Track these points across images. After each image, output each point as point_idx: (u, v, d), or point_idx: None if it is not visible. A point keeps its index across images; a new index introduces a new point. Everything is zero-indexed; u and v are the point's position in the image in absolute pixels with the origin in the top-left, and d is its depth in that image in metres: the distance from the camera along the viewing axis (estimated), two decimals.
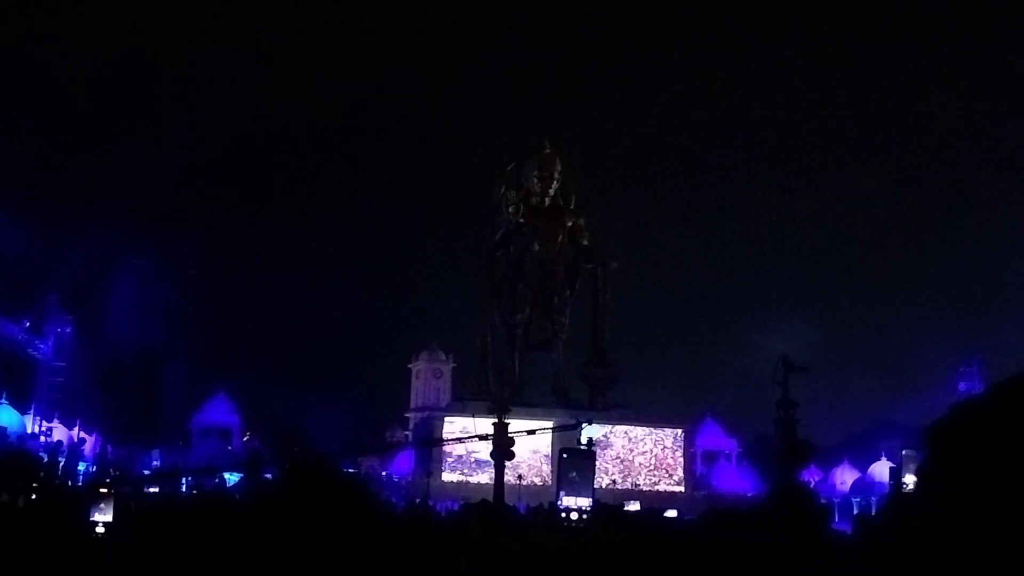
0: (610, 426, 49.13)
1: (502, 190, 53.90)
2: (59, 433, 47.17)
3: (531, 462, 46.95)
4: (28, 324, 52.92)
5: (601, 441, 48.75)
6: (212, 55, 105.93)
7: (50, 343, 56.05)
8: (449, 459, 48.30)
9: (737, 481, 56.44)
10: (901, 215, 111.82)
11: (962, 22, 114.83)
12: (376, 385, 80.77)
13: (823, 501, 37.07)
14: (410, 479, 50.39)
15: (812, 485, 51.66)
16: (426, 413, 60.59)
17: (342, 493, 2.17)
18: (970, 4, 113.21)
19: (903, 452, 39.75)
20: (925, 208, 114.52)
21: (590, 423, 41.44)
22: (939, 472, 1.19)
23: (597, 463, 46.40)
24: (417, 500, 34.40)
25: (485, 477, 42.51)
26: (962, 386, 66.29)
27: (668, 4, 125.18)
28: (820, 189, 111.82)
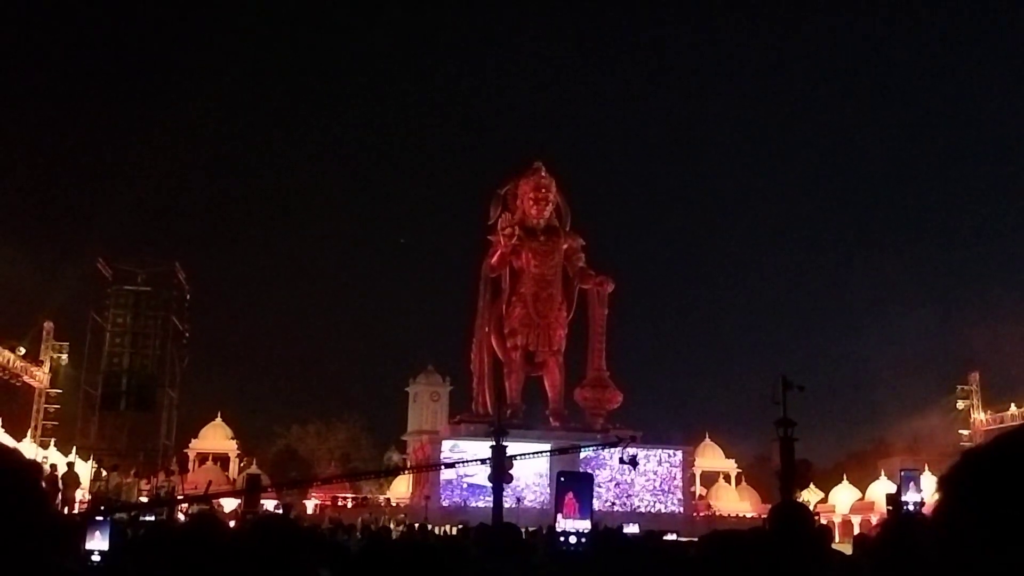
0: (607, 448, 48.92)
1: (497, 212, 53.97)
2: (56, 460, 46.92)
3: (533, 485, 46.80)
4: (24, 351, 52.76)
5: (590, 459, 48.53)
6: (196, 79, 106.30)
7: (46, 370, 55.90)
8: (438, 484, 48.08)
9: (736, 502, 56.23)
10: (897, 231, 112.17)
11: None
12: (374, 408, 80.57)
13: (823, 521, 36.94)
14: (408, 503, 50.16)
15: (812, 505, 51.50)
16: (424, 436, 60.38)
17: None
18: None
19: (901, 473, 39.78)
20: (922, 224, 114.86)
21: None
22: (960, 521, 1.16)
23: (595, 486, 46.21)
24: (416, 524, 34.18)
25: (481, 502, 42.37)
26: (960, 404, 66.27)
27: (666, 14, 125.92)
28: (818, 207, 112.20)
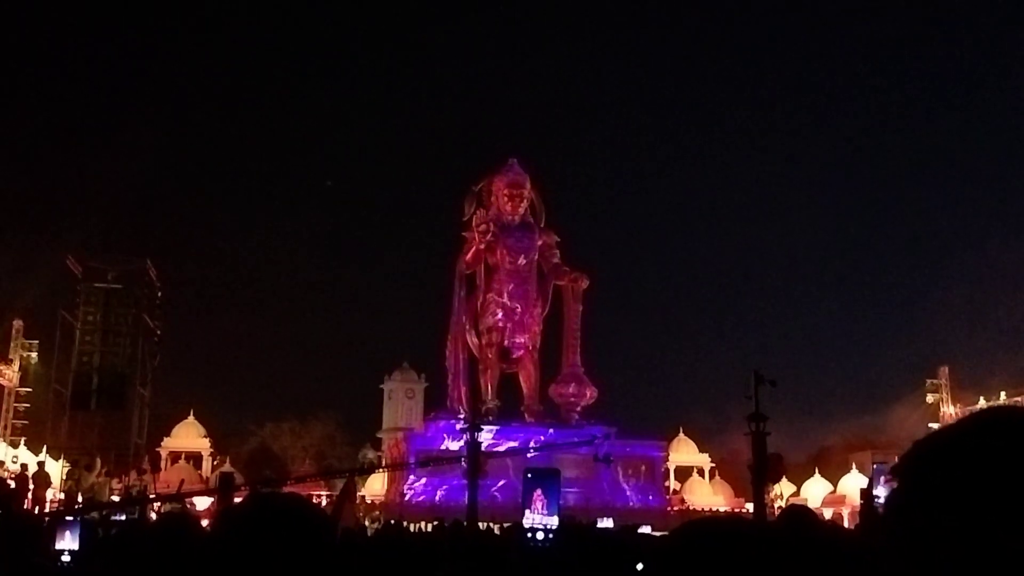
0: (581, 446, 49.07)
1: (472, 209, 53.95)
2: (26, 459, 46.46)
3: (508, 481, 46.84)
4: None
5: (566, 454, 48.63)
6: (167, 76, 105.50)
7: (15, 368, 55.30)
8: (409, 479, 48.12)
9: (710, 496, 56.61)
10: (866, 226, 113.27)
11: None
12: (348, 406, 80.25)
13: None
14: (384, 500, 50.09)
15: (784, 499, 51.95)
16: (399, 433, 60.30)
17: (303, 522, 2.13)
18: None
19: (874, 466, 40.35)
20: (888, 220, 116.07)
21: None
22: (910, 508, 1.19)
23: (572, 480, 46.33)
24: (391, 521, 34.13)
25: (455, 500, 42.36)
26: (930, 398, 67.16)
27: (645, 7, 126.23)
28: (790, 203, 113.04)
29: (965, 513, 1.07)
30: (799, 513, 5.19)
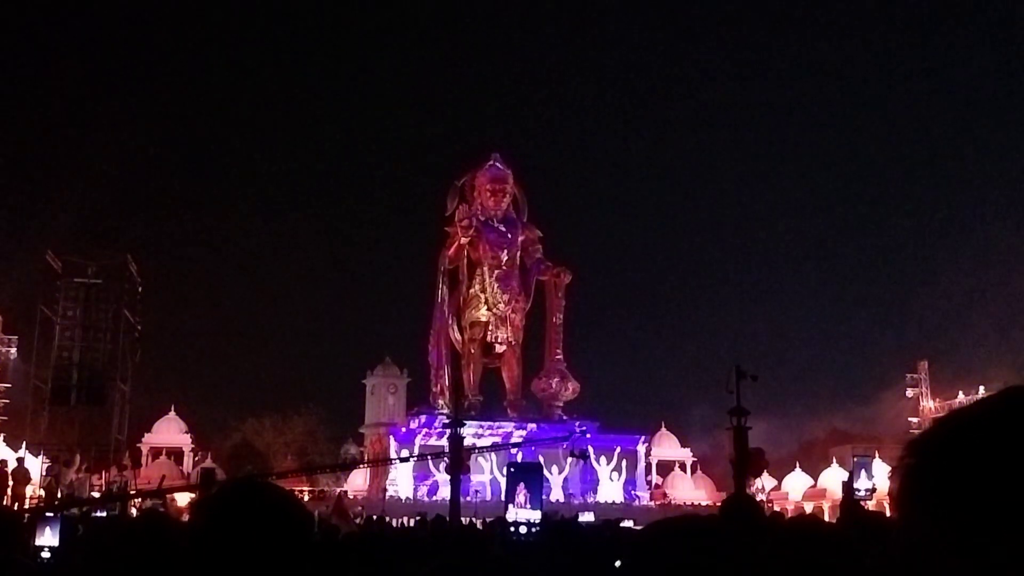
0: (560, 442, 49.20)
1: (455, 204, 53.94)
2: (5, 455, 46.12)
3: (491, 476, 46.89)
4: None
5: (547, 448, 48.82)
6: (146, 70, 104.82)
7: None
8: (391, 475, 48.16)
9: (692, 490, 56.83)
10: (849, 222, 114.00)
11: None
12: (330, 401, 79.98)
13: (776, 508, 37.48)
14: (366, 495, 50.04)
15: (766, 492, 52.22)
16: (381, 429, 60.21)
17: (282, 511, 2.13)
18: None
19: (854, 460, 40.76)
20: (871, 216, 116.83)
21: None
22: (930, 493, 1.15)
23: (560, 475, 46.59)
24: (374, 516, 34.07)
25: (438, 495, 42.41)
26: (909, 392, 67.70)
27: (629, 4, 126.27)
28: (773, 199, 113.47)
29: (974, 509, 1.02)
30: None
